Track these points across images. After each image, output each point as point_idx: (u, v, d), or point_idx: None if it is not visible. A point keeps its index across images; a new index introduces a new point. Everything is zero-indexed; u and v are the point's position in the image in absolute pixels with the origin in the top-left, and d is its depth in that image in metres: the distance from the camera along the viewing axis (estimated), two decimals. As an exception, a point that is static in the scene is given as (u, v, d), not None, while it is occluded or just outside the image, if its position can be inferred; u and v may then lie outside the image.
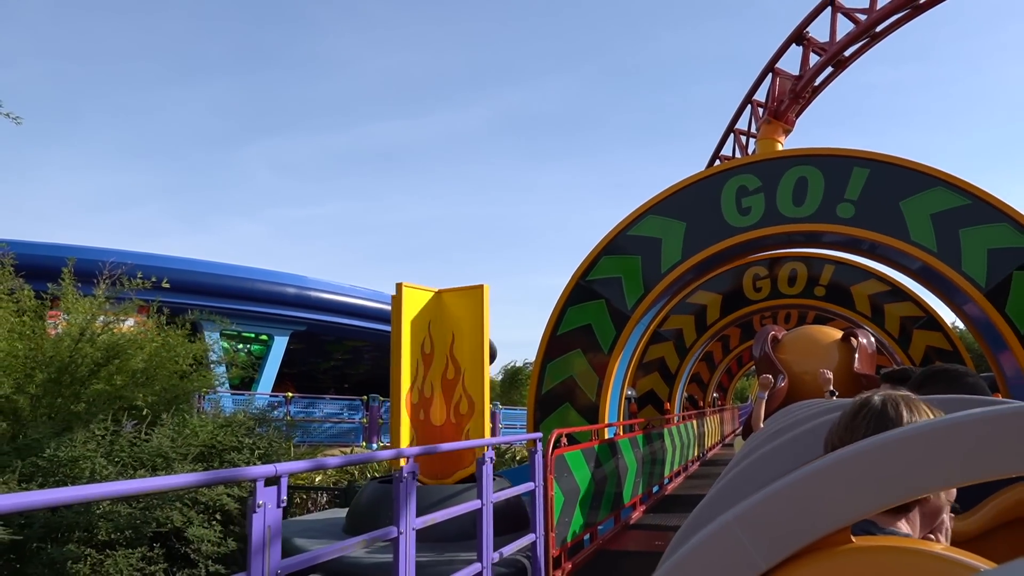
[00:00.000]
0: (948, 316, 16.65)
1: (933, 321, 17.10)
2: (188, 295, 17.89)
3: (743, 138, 20.90)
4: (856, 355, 14.67)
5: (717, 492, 1.60)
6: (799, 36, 17.61)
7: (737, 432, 32.42)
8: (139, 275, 11.05)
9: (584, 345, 11.16)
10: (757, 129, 19.26)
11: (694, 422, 18.77)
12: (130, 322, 11.23)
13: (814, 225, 10.53)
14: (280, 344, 24.97)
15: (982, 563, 0.96)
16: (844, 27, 16.75)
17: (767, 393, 7.60)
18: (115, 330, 10.80)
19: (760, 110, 19.29)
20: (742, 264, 17.34)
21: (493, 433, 19.69)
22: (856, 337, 15.50)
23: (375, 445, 19.89)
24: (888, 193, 10.30)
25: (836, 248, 12.46)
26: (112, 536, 8.41)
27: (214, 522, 9.30)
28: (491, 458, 5.00)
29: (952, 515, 1.52)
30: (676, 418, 17.14)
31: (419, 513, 4.02)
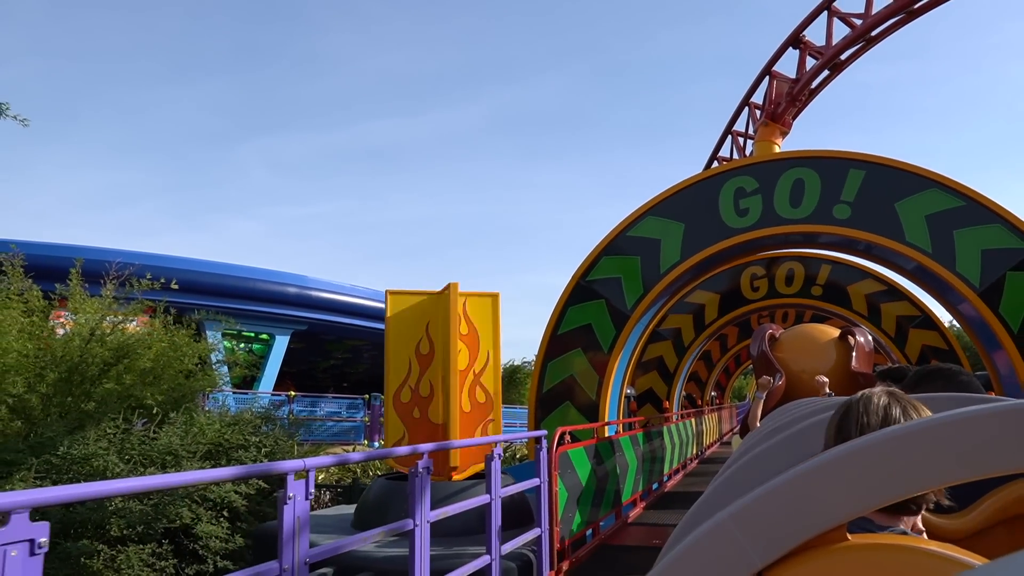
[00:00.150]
0: (944, 315, 16.84)
1: (929, 320, 17.30)
2: (190, 295, 18.01)
3: (741, 140, 21.11)
4: (853, 353, 14.83)
5: (714, 490, 1.61)
6: (796, 40, 17.82)
7: (735, 430, 32.62)
8: (148, 276, 11.20)
9: (584, 344, 11.33)
10: (754, 131, 19.47)
11: (692, 420, 18.98)
12: (133, 322, 11.37)
13: (811, 226, 10.71)
14: (281, 343, 25.16)
15: (977, 560, 0.96)
16: (840, 31, 16.98)
17: (765, 393, 7.75)
18: (123, 330, 10.96)
19: (757, 112, 19.49)
20: (740, 264, 17.52)
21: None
22: (854, 336, 15.66)
23: (376, 443, 20.05)
24: (884, 195, 10.48)
25: (832, 249, 12.64)
26: (124, 532, 8.58)
27: (222, 519, 9.47)
28: (499, 455, 5.19)
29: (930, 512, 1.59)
30: (675, 416, 17.33)
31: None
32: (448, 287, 7.30)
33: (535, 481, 6.10)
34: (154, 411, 9.99)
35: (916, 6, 15.36)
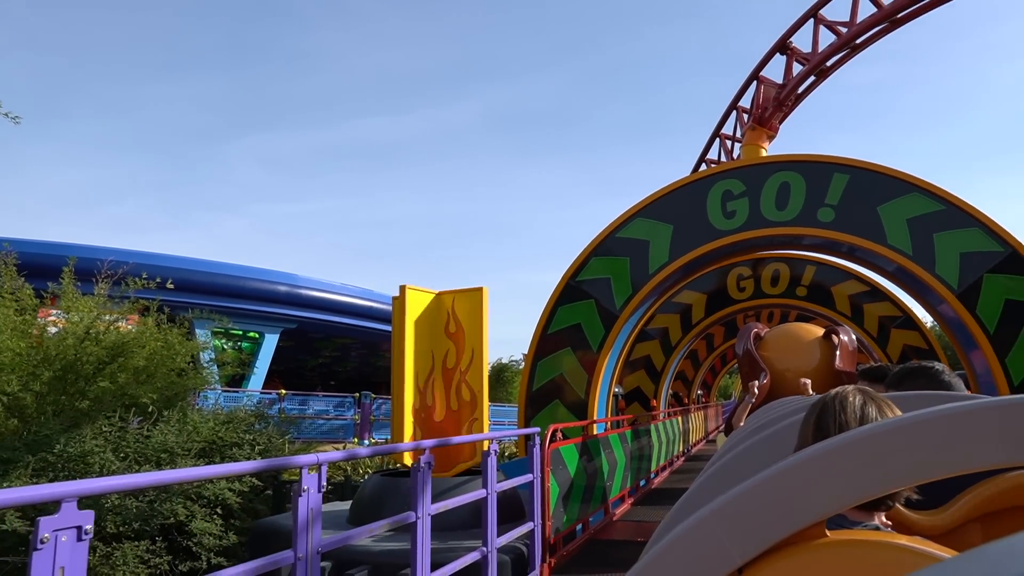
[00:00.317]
0: (924, 316, 17.15)
1: (910, 320, 17.62)
2: (181, 293, 18.04)
3: (728, 143, 21.39)
4: (837, 352, 15.05)
5: (697, 487, 1.62)
6: (783, 46, 18.11)
7: (720, 428, 32.93)
8: (144, 275, 11.29)
9: (574, 343, 11.50)
10: (742, 135, 19.76)
11: (679, 418, 19.22)
12: (123, 320, 11.43)
13: (796, 229, 10.92)
14: (271, 341, 25.23)
15: (951, 555, 0.95)
16: (826, 38, 17.28)
17: (754, 398, 7.85)
18: (117, 328, 11.04)
19: (745, 116, 19.78)
20: (727, 264, 17.77)
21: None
22: (837, 335, 15.88)
23: (366, 441, 20.18)
24: (867, 198, 10.71)
25: (815, 250, 12.88)
26: (120, 529, 8.68)
27: (215, 516, 9.58)
28: (495, 451, 5.36)
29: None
30: (662, 415, 17.56)
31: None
32: (479, 290, 7.48)
33: (528, 477, 6.28)
34: (150, 409, 10.08)
35: (899, 15, 15.69)
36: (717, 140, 22.03)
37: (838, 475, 0.93)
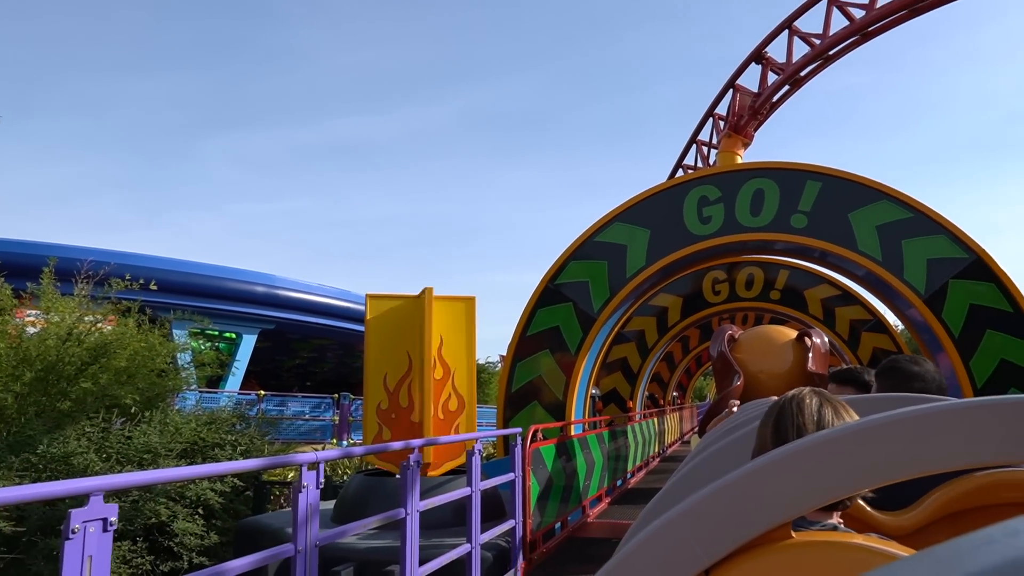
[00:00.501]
0: (893, 320, 17.55)
1: (880, 324, 18.03)
2: (159, 293, 18.05)
3: (705, 149, 21.76)
4: (810, 355, 15.34)
5: (669, 488, 1.63)
6: (758, 55, 18.51)
7: (695, 429, 33.30)
8: (127, 276, 11.31)
9: (552, 346, 11.66)
10: (718, 142, 20.12)
11: (655, 420, 19.51)
12: (90, 319, 11.43)
13: (770, 234, 11.20)
14: (249, 342, 25.20)
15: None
16: (800, 49, 17.69)
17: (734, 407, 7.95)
18: (96, 328, 11.05)
19: (721, 123, 20.15)
20: (702, 268, 18.06)
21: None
22: (810, 337, 16.19)
23: (345, 442, 20.25)
24: (838, 205, 11.01)
25: (788, 255, 13.19)
26: (103, 529, 8.75)
27: (197, 516, 9.64)
28: (480, 450, 5.54)
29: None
30: (638, 416, 17.82)
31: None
32: (470, 299, 7.65)
33: (510, 476, 6.47)
34: (132, 410, 10.12)
35: (870, 29, 16.14)
36: (694, 146, 22.40)
37: (804, 477, 0.94)
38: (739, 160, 18.52)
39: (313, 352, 33.67)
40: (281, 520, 7.41)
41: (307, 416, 23.30)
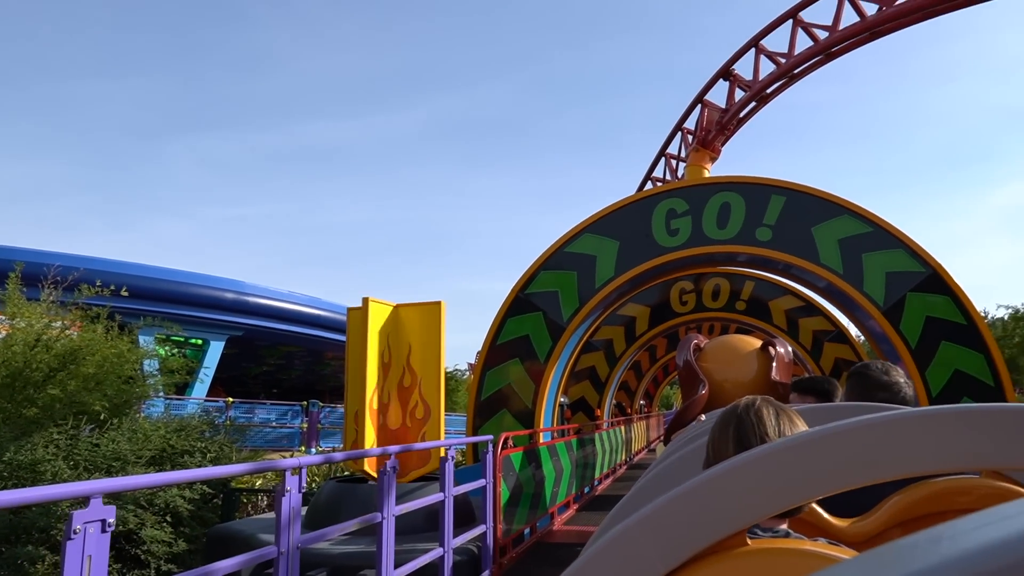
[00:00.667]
0: (855, 331, 17.98)
1: (842, 335, 18.47)
2: (127, 299, 17.94)
3: (673, 162, 22.15)
4: (774, 364, 15.65)
5: (630, 496, 1.64)
6: (726, 72, 18.97)
7: (661, 438, 33.59)
8: (99, 282, 11.25)
9: (522, 354, 11.80)
10: (687, 155, 20.52)
11: (622, 428, 19.73)
12: (59, 324, 11.35)
13: (736, 247, 11.47)
14: (216, 349, 25.01)
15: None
16: (767, 67, 18.18)
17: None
18: (64, 335, 10.98)
19: (690, 137, 20.57)
20: (670, 279, 18.37)
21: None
22: (774, 347, 16.51)
23: (313, 450, 20.20)
24: (802, 219, 11.31)
25: (751, 267, 13.50)
26: (70, 536, 8.69)
27: (165, 524, 9.62)
28: (453, 457, 5.67)
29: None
30: (606, 424, 18.02)
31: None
32: (438, 304, 7.77)
33: (481, 482, 6.60)
34: (102, 417, 10.07)
35: (833, 49, 16.64)
36: (663, 159, 22.79)
37: (760, 486, 0.95)
38: (707, 174, 18.95)
39: (281, 359, 33.46)
40: (253, 527, 7.45)
41: (274, 423, 23.19)
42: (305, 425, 21.87)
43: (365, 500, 6.80)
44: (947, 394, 10.38)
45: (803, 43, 17.17)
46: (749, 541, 1.04)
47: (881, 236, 11.04)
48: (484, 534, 6.55)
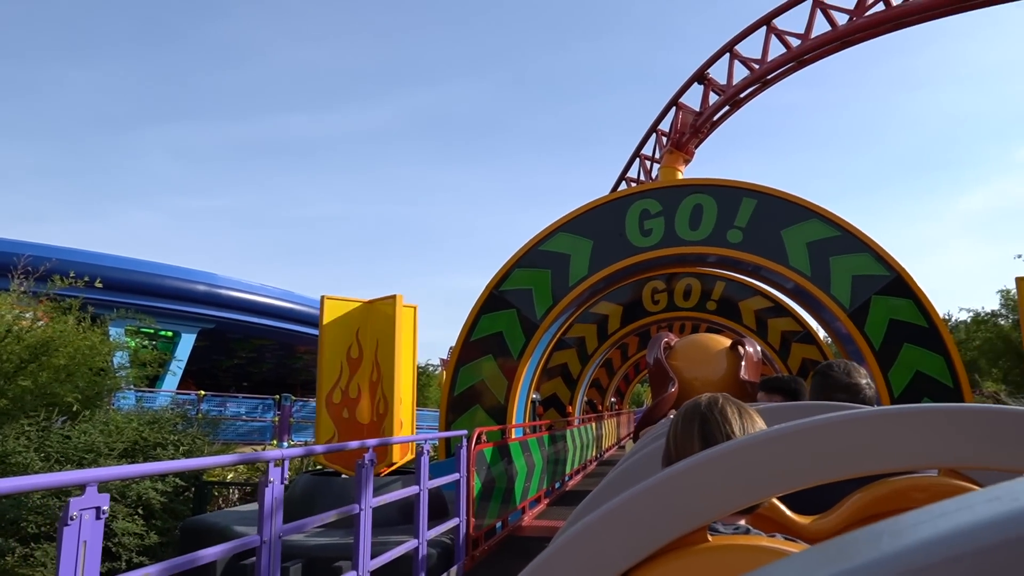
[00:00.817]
0: (822, 332, 18.35)
1: (809, 336, 18.83)
2: (98, 290, 17.80)
3: (648, 163, 22.40)
4: (743, 363, 15.91)
5: (596, 492, 1.65)
6: (701, 76, 19.26)
7: (631, 435, 33.89)
8: (72, 273, 11.18)
9: (495, 351, 11.92)
10: (661, 157, 20.78)
11: (593, 425, 19.94)
12: (30, 315, 11.26)
13: (707, 248, 11.69)
14: (188, 341, 24.83)
15: None
16: (740, 72, 18.51)
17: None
18: (33, 325, 10.90)
19: (664, 139, 20.83)
20: (642, 278, 18.60)
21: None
22: (743, 346, 16.78)
23: (285, 444, 20.16)
24: (772, 222, 11.55)
25: (720, 268, 13.75)
26: (41, 529, 8.67)
27: (136, 516, 9.61)
28: (428, 451, 5.79)
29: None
30: (577, 421, 18.22)
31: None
32: (411, 307, 7.87)
33: (455, 476, 6.73)
34: (74, 409, 10.03)
35: (805, 57, 16.99)
36: (637, 160, 23.04)
37: (723, 482, 0.95)
38: (680, 176, 19.22)
39: (252, 352, 33.28)
40: (228, 519, 7.52)
41: (244, 417, 23.09)
42: (277, 419, 21.82)
43: (339, 493, 6.90)
44: (908, 395, 10.69)
45: (776, 50, 17.54)
46: (710, 537, 1.05)
47: (848, 240, 11.31)
48: (457, 527, 6.68)
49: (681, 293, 19.61)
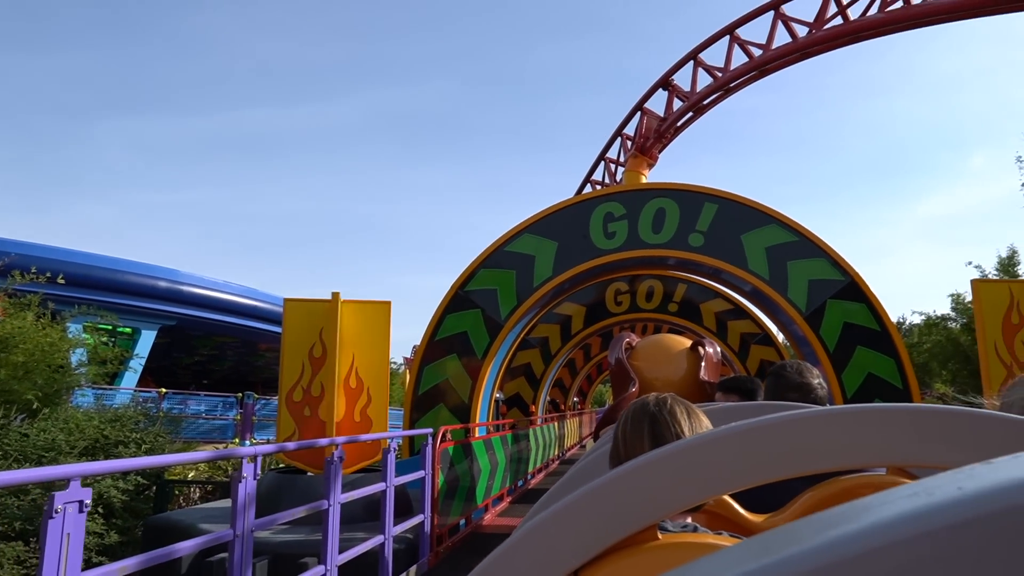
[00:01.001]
0: (780, 334, 18.77)
1: (767, 338, 19.27)
2: (57, 286, 17.51)
3: (612, 166, 22.72)
4: (703, 364, 16.22)
5: (552, 491, 1.67)
6: (665, 82, 19.63)
7: (592, 434, 34.20)
8: (33, 269, 11.03)
9: (460, 350, 12.01)
10: (625, 160, 21.10)
11: (556, 424, 20.17)
12: None
13: (670, 251, 11.94)
14: (148, 338, 24.52)
15: None
16: (704, 79, 18.88)
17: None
18: (-2, 322, 10.75)
19: (629, 143, 21.15)
20: (606, 280, 18.85)
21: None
22: (703, 347, 17.11)
23: (247, 442, 20.03)
24: (732, 227, 11.83)
25: (681, 270, 14.03)
26: (2, 528, 8.56)
27: (96, 515, 9.53)
28: (395, 449, 5.90)
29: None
30: (540, 420, 18.41)
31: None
32: (385, 304, 7.94)
33: (420, 473, 6.85)
34: (34, 406, 9.92)
35: (767, 66, 17.43)
36: (603, 163, 23.35)
37: (673, 481, 0.96)
38: (644, 180, 19.52)
39: (213, 350, 32.94)
40: (192, 517, 7.54)
41: (206, 415, 22.90)
42: (239, 417, 21.67)
43: (305, 490, 6.98)
44: (861, 395, 11.04)
45: (739, 58, 18.00)
46: (660, 536, 1.07)
47: (806, 245, 11.64)
48: (422, 523, 6.80)
49: (644, 295, 19.92)
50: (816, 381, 2.72)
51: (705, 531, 1.26)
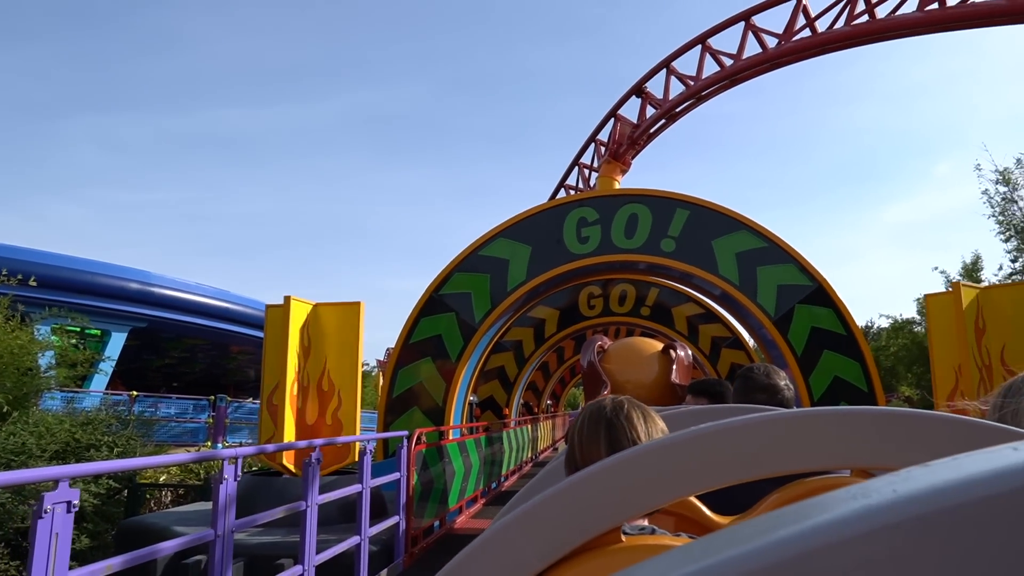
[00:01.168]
0: (749, 338, 19.07)
1: (737, 341, 19.55)
2: (24, 287, 17.30)
3: (586, 172, 22.93)
4: (674, 367, 16.45)
5: (519, 494, 1.66)
6: (639, 89, 19.90)
7: (565, 437, 34.30)
8: (3, 271, 10.92)
9: (434, 354, 12.07)
10: (599, 166, 21.32)
11: (529, 427, 20.29)
12: None
13: (642, 256, 12.11)
14: (118, 340, 24.24)
15: None
16: (677, 87, 19.19)
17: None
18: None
19: (602, 149, 21.38)
20: (579, 283, 19.02)
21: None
22: (675, 350, 17.34)
23: (220, 445, 19.93)
24: (703, 232, 12.03)
25: (652, 275, 14.22)
26: (-29, 530, 8.50)
27: (67, 518, 9.48)
28: (371, 451, 5.98)
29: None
30: (513, 423, 18.52)
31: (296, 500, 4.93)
32: (356, 304, 7.97)
33: (395, 475, 6.93)
34: (3, 410, 9.84)
35: (737, 76, 17.78)
36: (576, 168, 23.55)
37: (635, 484, 0.96)
38: (617, 185, 19.74)
39: (185, 352, 32.60)
40: (166, 520, 7.54)
41: (177, 418, 22.70)
42: (211, 420, 21.54)
43: (281, 492, 7.02)
44: (827, 398, 11.29)
45: (711, 67, 18.31)
46: (624, 538, 1.07)
47: (775, 251, 11.87)
48: (397, 525, 6.88)
49: (616, 298, 20.12)
50: (783, 383, 2.78)
51: (663, 533, 1.27)
